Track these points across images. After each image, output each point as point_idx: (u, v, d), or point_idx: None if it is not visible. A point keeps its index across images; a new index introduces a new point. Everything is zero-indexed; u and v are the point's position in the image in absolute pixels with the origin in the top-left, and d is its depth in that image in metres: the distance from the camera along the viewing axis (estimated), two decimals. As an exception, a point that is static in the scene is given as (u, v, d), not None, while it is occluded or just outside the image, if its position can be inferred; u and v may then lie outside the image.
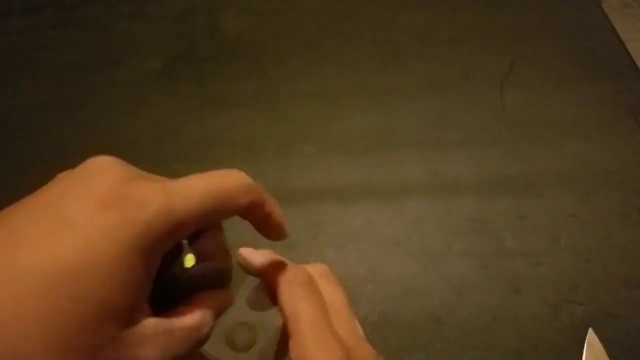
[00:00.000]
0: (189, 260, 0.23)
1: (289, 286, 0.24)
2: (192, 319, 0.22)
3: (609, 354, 0.41)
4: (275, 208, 0.25)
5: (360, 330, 0.26)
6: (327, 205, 0.50)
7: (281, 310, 0.24)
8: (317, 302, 0.24)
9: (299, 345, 0.22)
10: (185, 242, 0.23)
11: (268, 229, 0.25)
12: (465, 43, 0.64)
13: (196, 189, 0.22)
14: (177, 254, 0.23)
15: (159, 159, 0.54)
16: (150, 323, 0.21)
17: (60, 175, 0.21)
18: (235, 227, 0.26)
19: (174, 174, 0.23)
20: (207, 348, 0.25)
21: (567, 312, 0.44)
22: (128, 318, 0.19)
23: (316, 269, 0.27)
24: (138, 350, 0.20)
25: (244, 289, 0.27)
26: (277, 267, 0.26)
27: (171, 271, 0.23)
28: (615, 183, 0.52)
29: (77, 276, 0.18)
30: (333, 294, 0.26)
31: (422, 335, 0.43)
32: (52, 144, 0.56)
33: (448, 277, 0.46)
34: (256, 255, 0.27)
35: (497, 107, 0.58)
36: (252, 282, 0.27)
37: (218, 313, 0.25)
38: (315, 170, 0.53)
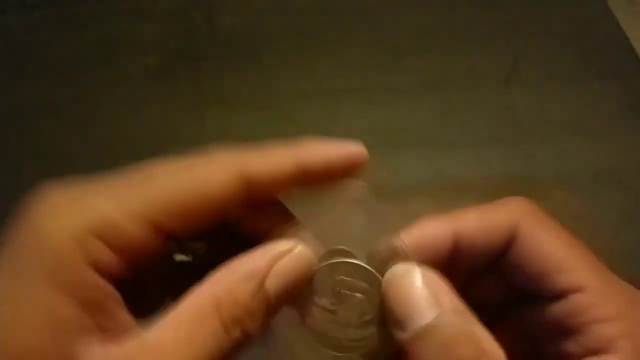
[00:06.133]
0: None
1: None
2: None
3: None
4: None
5: None
6: (328, 206, 0.50)
7: None
8: None
9: None
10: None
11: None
12: (467, 41, 0.63)
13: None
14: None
15: (157, 157, 0.53)
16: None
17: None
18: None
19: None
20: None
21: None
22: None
23: None
24: None
25: None
26: None
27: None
28: (621, 183, 0.51)
29: None
30: None
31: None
32: (48, 143, 0.55)
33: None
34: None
35: (501, 106, 0.57)
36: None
37: None
38: (315, 170, 0.52)
